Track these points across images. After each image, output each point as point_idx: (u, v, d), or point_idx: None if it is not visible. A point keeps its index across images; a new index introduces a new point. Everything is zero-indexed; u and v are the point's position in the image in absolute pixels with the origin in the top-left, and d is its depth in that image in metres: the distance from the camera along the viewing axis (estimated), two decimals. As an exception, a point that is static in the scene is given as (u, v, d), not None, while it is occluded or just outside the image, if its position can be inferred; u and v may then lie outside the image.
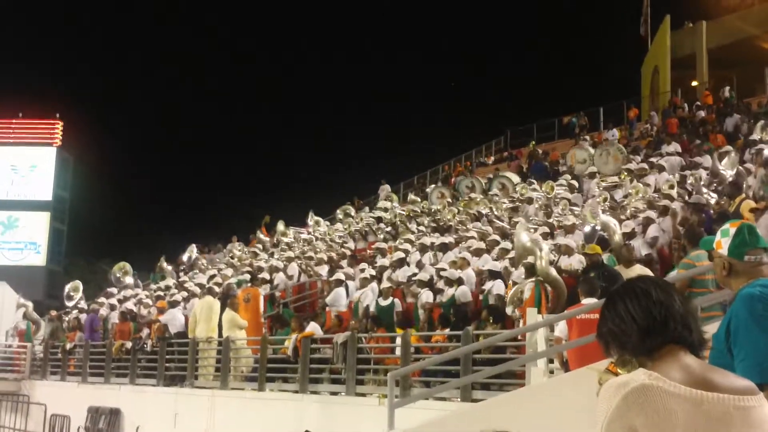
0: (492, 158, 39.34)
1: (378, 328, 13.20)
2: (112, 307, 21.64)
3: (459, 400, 10.34)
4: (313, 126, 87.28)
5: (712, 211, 13.10)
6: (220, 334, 15.86)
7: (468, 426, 7.60)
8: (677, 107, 31.35)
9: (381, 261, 17.15)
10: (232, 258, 25.75)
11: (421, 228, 20.64)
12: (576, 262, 12.12)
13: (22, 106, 57.97)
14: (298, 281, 19.46)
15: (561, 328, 8.65)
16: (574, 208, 17.90)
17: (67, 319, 23.32)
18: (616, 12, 58.08)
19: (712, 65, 37.97)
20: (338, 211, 28.43)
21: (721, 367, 2.28)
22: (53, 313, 23.68)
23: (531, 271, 11.14)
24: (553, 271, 11.17)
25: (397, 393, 9.69)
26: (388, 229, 21.79)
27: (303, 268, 19.68)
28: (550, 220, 16.64)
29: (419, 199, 26.63)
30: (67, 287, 24.56)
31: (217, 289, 17.92)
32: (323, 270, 18.67)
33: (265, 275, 19.37)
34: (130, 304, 21.34)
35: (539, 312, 10.00)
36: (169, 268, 27.18)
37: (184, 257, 27.81)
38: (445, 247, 16.51)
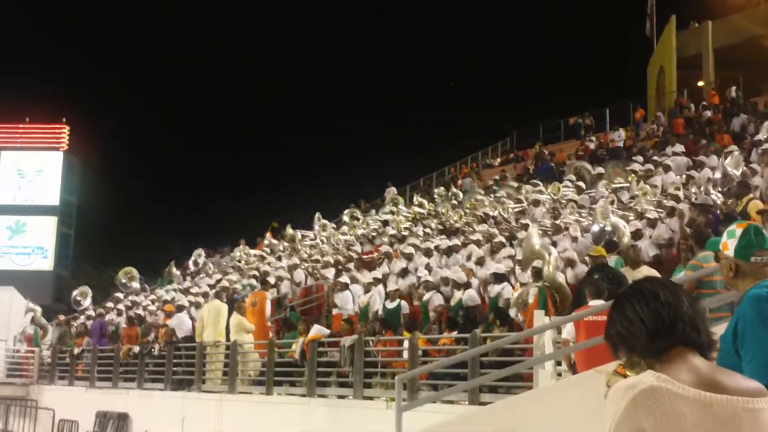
0: (498, 160, 39.27)
1: (386, 330, 13.20)
2: (119, 312, 21.67)
3: (467, 403, 10.32)
4: (318, 127, 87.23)
5: (719, 212, 13.06)
6: (227, 338, 15.88)
7: (476, 429, 7.59)
8: (683, 107, 31.25)
9: (387, 265, 17.17)
10: (239, 261, 25.76)
11: (428, 230, 20.62)
12: (580, 273, 12.16)
13: (28, 110, 58.22)
14: (305, 284, 19.47)
15: (568, 330, 8.63)
16: (582, 210, 17.85)
17: (74, 324, 23.36)
18: (621, 12, 57.93)
19: (718, 65, 37.86)
20: (345, 214, 28.40)
21: (729, 369, 2.26)
22: (61, 317, 23.72)
23: (538, 275, 11.13)
24: (560, 277, 11.15)
25: (404, 396, 9.68)
26: (394, 232, 21.77)
27: (309, 271, 19.70)
28: (558, 222, 16.60)
29: (426, 201, 26.60)
30: (75, 292, 24.60)
31: (224, 293, 17.93)
32: (330, 273, 18.67)
33: (272, 279, 19.38)
34: (137, 309, 21.39)
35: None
36: (178, 272, 27.20)
37: (191, 262, 27.78)
38: (450, 250, 16.52)
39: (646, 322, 2.22)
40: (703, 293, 7.48)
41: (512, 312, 11.31)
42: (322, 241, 24.65)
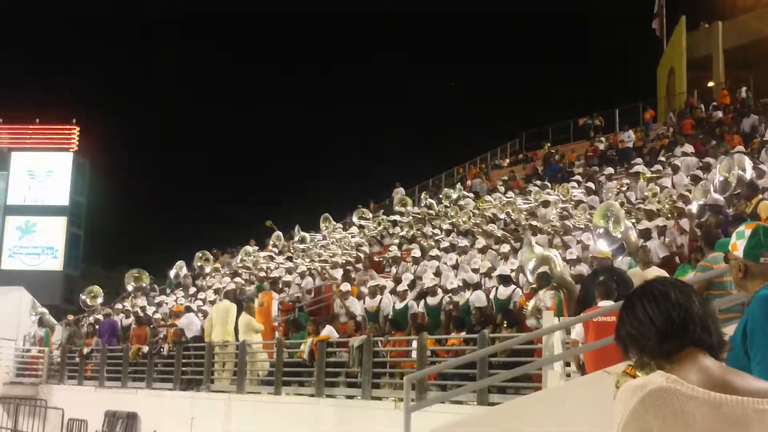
0: (507, 160, 39.25)
1: (396, 331, 13.20)
2: (128, 313, 21.73)
3: (475, 403, 10.32)
4: (318, 127, 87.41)
5: (729, 213, 13.01)
6: (236, 338, 15.90)
7: (485, 429, 7.58)
8: (694, 108, 31.15)
9: (395, 267, 17.20)
10: (246, 263, 25.77)
11: (437, 231, 20.61)
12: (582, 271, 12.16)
13: (38, 111, 58.44)
14: (314, 285, 19.49)
15: (577, 331, 8.61)
16: (592, 211, 17.83)
17: (83, 323, 23.42)
18: (631, 13, 57.85)
19: (728, 66, 37.72)
20: (354, 215, 28.42)
21: (739, 370, 2.25)
22: (70, 317, 23.78)
23: (545, 280, 11.06)
24: (567, 274, 11.13)
25: (413, 396, 9.66)
26: (403, 233, 21.78)
27: (318, 271, 19.72)
28: (569, 223, 16.57)
29: (435, 202, 26.61)
30: (85, 292, 24.62)
31: (232, 293, 17.97)
32: (338, 273, 18.68)
33: (283, 278, 19.43)
34: (146, 309, 21.44)
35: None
36: (189, 273, 27.13)
37: (172, 274, 27.46)
38: (460, 250, 16.52)
39: (657, 322, 2.20)
40: (713, 294, 7.46)
41: (531, 322, 11.20)
42: (330, 241, 24.68)
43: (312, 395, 13.47)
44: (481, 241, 16.97)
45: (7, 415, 21.47)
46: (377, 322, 14.49)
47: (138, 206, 69.72)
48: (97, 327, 21.40)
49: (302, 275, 20.00)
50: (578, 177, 24.35)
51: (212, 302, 19.48)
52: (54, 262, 56.00)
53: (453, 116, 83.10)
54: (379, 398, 12.25)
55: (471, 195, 27.42)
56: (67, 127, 58.17)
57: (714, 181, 14.54)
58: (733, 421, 2.02)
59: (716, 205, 13.32)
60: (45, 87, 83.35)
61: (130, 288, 24.31)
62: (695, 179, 16.93)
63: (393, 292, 15.03)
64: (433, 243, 18.60)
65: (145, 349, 18.46)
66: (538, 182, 25.91)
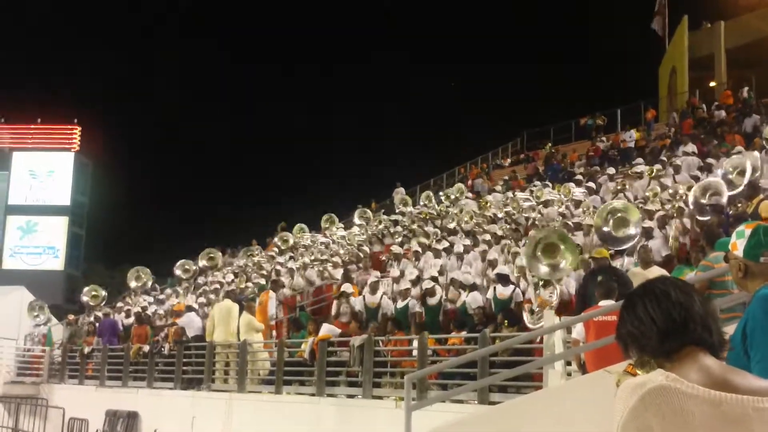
0: (508, 160, 39.23)
1: (398, 330, 13.20)
2: (129, 312, 21.73)
3: (476, 402, 10.31)
4: (318, 127, 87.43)
5: (731, 212, 12.99)
6: (237, 338, 15.91)
7: (485, 428, 7.57)
8: (695, 108, 31.12)
9: (396, 266, 17.19)
10: (248, 262, 25.79)
11: (437, 230, 20.61)
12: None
13: (40, 111, 58.57)
14: (314, 285, 19.50)
15: (578, 331, 8.60)
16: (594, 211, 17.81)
17: (84, 323, 23.41)
18: (632, 13, 57.77)
19: (730, 65, 37.67)
20: (356, 214, 28.42)
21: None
22: (71, 317, 23.78)
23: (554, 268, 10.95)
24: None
25: (414, 396, 9.66)
26: (405, 232, 21.78)
27: (320, 270, 19.73)
28: (570, 223, 16.55)
29: (435, 203, 26.64)
30: (85, 291, 24.61)
31: (233, 293, 17.98)
32: (338, 273, 18.68)
33: (284, 279, 19.45)
34: (147, 309, 21.44)
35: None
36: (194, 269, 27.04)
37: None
38: (459, 252, 16.51)
39: (657, 321, 2.20)
40: (715, 293, 7.44)
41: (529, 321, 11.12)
42: (332, 241, 24.70)
43: (313, 394, 13.47)
44: (486, 237, 16.97)
45: (8, 414, 21.48)
46: (377, 319, 14.52)
47: (139, 206, 69.81)
48: (97, 326, 21.42)
49: (305, 267, 20.03)
50: (579, 177, 24.32)
51: (207, 301, 19.50)
52: (55, 261, 56.12)
53: (453, 116, 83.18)
54: (380, 397, 12.25)
55: (470, 195, 27.43)
56: (69, 127, 58.27)
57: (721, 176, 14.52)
58: (733, 420, 2.02)
59: (717, 205, 13.30)
60: (45, 87, 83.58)
61: (132, 285, 24.32)
62: (696, 179, 16.91)
63: (394, 290, 15.05)
64: (434, 242, 18.59)
65: (146, 348, 18.46)
66: (538, 183, 25.91)
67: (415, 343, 11.77)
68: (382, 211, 29.91)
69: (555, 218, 17.97)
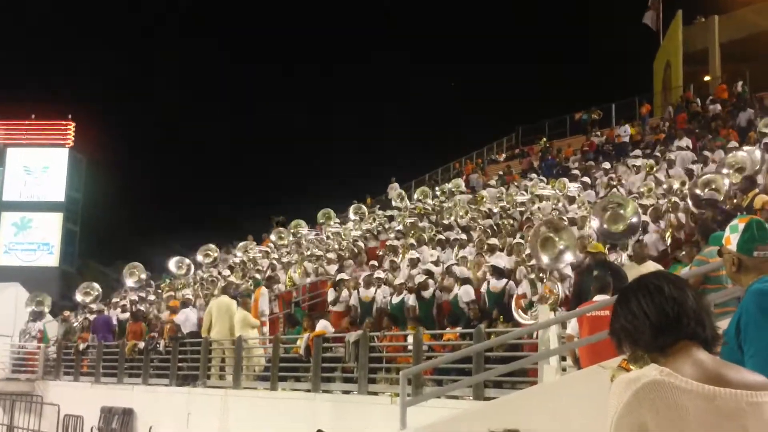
0: (503, 155, 39.26)
1: (395, 326, 13.19)
2: (124, 308, 21.70)
3: (471, 398, 10.31)
4: (318, 127, 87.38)
5: (726, 207, 13.00)
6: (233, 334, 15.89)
7: (480, 424, 7.57)
8: (690, 102, 31.15)
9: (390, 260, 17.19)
10: (242, 258, 25.74)
11: (432, 225, 20.62)
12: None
13: (34, 107, 58.36)
14: (312, 280, 19.50)
15: (573, 326, 8.60)
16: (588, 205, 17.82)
17: (79, 319, 23.36)
18: (633, 12, 57.73)
19: (724, 60, 37.70)
20: (350, 210, 28.40)
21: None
22: (66, 313, 23.72)
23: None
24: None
25: (409, 391, 9.67)
26: (400, 227, 21.78)
27: (314, 267, 19.71)
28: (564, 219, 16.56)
29: (429, 198, 26.63)
30: (80, 288, 24.54)
31: (229, 288, 17.96)
32: (333, 269, 18.67)
33: (279, 274, 19.44)
34: (141, 305, 21.42)
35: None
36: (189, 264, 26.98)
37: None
38: (455, 243, 16.51)
39: (651, 316, 2.20)
40: (709, 288, 7.45)
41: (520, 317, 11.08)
42: (327, 236, 24.69)
43: (308, 390, 13.46)
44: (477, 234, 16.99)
45: (3, 411, 21.44)
46: (371, 314, 14.50)
47: (135, 202, 69.67)
48: (91, 321, 21.39)
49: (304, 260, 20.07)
50: (575, 171, 24.35)
51: (203, 295, 19.47)
52: (50, 258, 55.98)
53: (453, 116, 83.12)
54: (375, 393, 12.24)
55: (465, 190, 27.44)
56: (63, 122, 58.06)
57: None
58: (727, 414, 2.02)
59: (712, 199, 13.31)
60: (45, 87, 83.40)
61: (128, 282, 24.28)
62: (690, 173, 16.93)
63: (389, 284, 15.03)
64: (430, 236, 18.61)
65: (141, 344, 18.42)
66: (532, 177, 25.94)
67: (411, 339, 11.77)
68: (378, 206, 29.88)
69: (548, 215, 17.98)
